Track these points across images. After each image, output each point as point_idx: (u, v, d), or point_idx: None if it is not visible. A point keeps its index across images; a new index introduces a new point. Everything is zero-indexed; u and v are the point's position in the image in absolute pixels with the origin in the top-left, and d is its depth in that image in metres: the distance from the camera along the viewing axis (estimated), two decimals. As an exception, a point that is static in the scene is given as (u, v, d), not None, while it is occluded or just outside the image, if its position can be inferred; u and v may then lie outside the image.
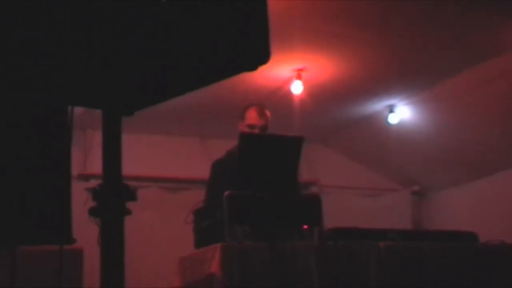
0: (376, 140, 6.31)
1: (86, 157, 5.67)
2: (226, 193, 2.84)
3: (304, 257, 2.80)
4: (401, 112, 5.83)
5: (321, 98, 5.47)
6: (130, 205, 1.27)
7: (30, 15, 1.07)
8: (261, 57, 1.17)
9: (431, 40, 4.60)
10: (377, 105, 5.83)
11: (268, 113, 3.59)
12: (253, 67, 1.18)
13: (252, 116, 3.51)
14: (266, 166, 3.05)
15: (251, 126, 3.50)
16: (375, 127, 6.09)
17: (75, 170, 5.43)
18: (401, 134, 5.94)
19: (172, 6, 1.10)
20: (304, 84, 5.12)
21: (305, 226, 3.00)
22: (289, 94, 5.25)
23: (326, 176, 6.61)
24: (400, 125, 5.87)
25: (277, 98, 5.31)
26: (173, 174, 6.20)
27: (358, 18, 4.28)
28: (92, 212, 1.20)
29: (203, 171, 3.81)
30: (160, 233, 5.85)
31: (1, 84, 1.14)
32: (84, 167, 5.63)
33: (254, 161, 3.05)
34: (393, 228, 3.43)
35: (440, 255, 3.05)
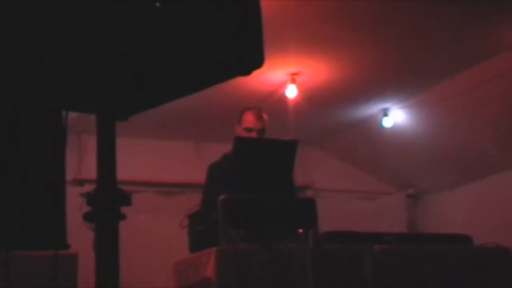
0: (371, 144, 6.32)
1: (81, 162, 5.65)
2: (221, 196, 2.84)
3: (299, 260, 2.80)
4: (395, 116, 5.85)
5: (316, 102, 5.48)
6: (125, 209, 1.26)
7: (25, 19, 1.07)
8: (255, 62, 1.17)
9: (425, 44, 4.62)
10: (371, 109, 5.85)
11: (265, 116, 3.59)
12: (247, 71, 1.19)
13: (249, 120, 3.51)
14: (260, 170, 3.05)
15: (248, 130, 3.49)
16: (370, 131, 6.11)
17: (69, 175, 5.40)
18: (395, 138, 5.96)
19: (166, 12, 1.10)
20: (299, 88, 5.13)
21: (301, 230, 3.00)
22: (283, 98, 5.26)
23: (321, 180, 6.61)
24: (394, 129, 5.89)
25: (272, 102, 5.31)
26: (168, 178, 6.19)
27: (352, 21, 4.29)
28: (87, 217, 1.20)
29: (198, 175, 3.81)
30: (155, 237, 5.84)
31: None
32: (78, 172, 5.62)
33: (249, 164, 3.05)
34: (388, 231, 3.44)
35: (435, 258, 3.06)
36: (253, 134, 3.48)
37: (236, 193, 2.93)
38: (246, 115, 3.54)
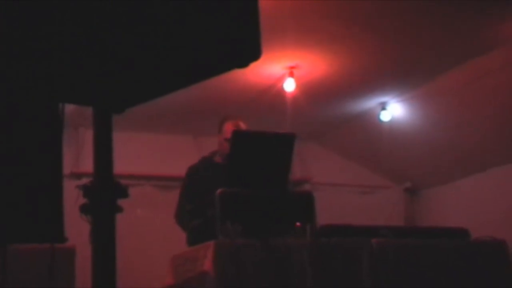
0: (368, 138, 6.32)
1: (79, 155, 5.65)
2: (219, 190, 2.84)
3: (297, 254, 2.81)
4: (393, 110, 5.84)
5: (314, 95, 5.47)
6: (123, 203, 1.26)
7: (22, 12, 1.06)
8: (253, 54, 1.16)
9: (423, 37, 4.61)
10: (369, 103, 5.85)
11: (243, 125, 3.62)
12: (244, 63, 1.18)
13: (229, 130, 3.52)
14: (258, 163, 3.05)
15: (228, 140, 3.50)
16: (367, 125, 6.10)
17: (67, 168, 5.40)
18: (393, 132, 5.96)
19: (163, 4, 1.09)
20: (297, 81, 5.12)
21: (298, 224, 3.01)
22: (281, 91, 5.25)
23: (319, 174, 6.62)
24: (392, 123, 5.89)
25: (270, 95, 5.31)
26: (166, 172, 6.18)
27: (350, 15, 4.28)
28: (83, 209, 1.20)
29: (196, 169, 3.80)
30: (153, 231, 5.84)
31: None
32: (76, 166, 5.61)
33: (246, 158, 3.05)
34: (386, 225, 3.45)
35: (432, 251, 3.07)
36: None
37: (233, 186, 2.93)
38: (226, 126, 3.59)
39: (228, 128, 3.55)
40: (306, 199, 3.07)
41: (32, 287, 2.43)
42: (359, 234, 3.03)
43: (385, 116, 5.84)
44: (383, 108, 5.84)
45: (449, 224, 4.40)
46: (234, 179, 2.99)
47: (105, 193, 1.17)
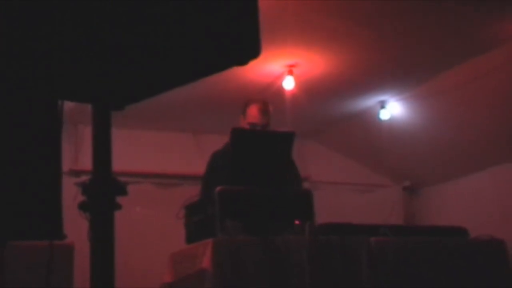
0: (368, 136, 6.32)
1: (78, 152, 5.65)
2: (218, 188, 2.84)
3: (296, 252, 2.81)
4: (393, 108, 5.85)
5: (313, 93, 5.47)
6: (122, 201, 1.26)
7: (22, 12, 1.06)
8: (252, 52, 1.16)
9: (423, 36, 4.61)
10: (369, 101, 5.85)
11: (271, 108, 3.52)
12: (244, 61, 1.18)
13: (253, 115, 3.45)
14: (257, 161, 3.05)
15: (252, 125, 3.45)
16: (367, 123, 6.11)
17: (66, 165, 5.41)
18: (392, 130, 5.96)
19: (162, 2, 1.09)
20: (296, 79, 5.12)
21: (297, 222, 3.01)
22: (281, 89, 5.25)
23: (318, 172, 6.62)
24: (391, 121, 5.89)
25: (269, 94, 5.30)
26: (165, 169, 6.19)
27: (350, 13, 4.28)
28: (82, 206, 1.20)
29: (196, 167, 3.81)
30: (152, 228, 5.85)
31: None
32: (75, 163, 5.62)
33: (245, 156, 3.05)
34: (385, 224, 3.45)
35: (431, 250, 3.07)
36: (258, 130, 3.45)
37: (233, 184, 2.93)
38: (251, 109, 3.46)
39: (253, 111, 3.41)
40: (305, 197, 3.08)
41: (31, 283, 2.43)
42: (358, 233, 3.03)
43: (385, 115, 5.84)
44: (383, 107, 5.84)
45: (448, 222, 4.41)
46: (234, 177, 3.00)
47: (104, 190, 1.17)
